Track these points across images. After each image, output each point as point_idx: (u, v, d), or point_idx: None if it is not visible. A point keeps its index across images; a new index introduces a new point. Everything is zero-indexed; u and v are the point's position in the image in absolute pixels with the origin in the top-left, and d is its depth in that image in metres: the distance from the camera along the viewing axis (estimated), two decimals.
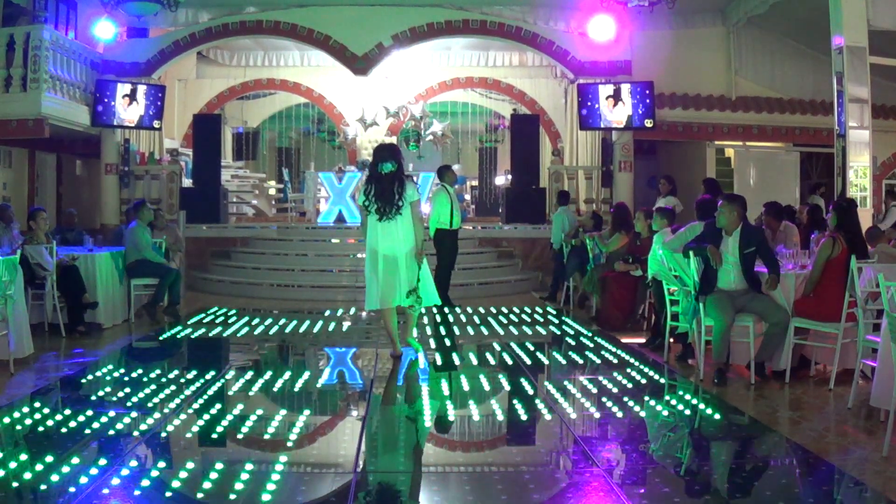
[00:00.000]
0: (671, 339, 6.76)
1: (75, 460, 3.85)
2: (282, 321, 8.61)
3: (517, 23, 13.28)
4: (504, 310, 9.51)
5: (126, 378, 5.84)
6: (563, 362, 6.78)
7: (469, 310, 9.48)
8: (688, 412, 5.13)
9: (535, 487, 3.55)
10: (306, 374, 6.09)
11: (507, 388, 5.77)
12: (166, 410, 5.02)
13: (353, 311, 9.49)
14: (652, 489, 3.55)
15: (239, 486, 3.60)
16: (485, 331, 8.20)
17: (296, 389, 5.66)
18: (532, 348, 7.15)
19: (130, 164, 13.19)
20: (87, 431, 4.45)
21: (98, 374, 6.07)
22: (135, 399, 5.16)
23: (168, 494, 3.47)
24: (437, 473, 3.82)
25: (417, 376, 6.36)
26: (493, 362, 6.75)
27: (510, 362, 6.60)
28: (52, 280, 7.55)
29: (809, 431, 4.57)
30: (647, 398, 5.35)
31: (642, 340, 7.38)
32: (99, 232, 11.41)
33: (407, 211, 6.32)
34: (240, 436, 4.43)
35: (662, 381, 5.92)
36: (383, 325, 6.73)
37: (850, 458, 4.08)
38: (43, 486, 3.51)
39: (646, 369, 6.20)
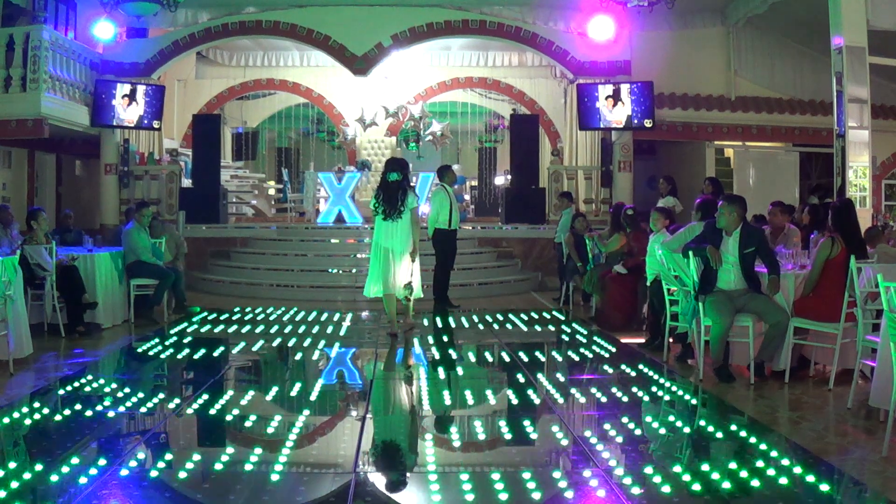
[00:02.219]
0: (670, 340, 6.77)
1: (75, 460, 3.85)
2: (281, 322, 8.61)
3: (516, 23, 13.29)
4: (503, 310, 9.51)
5: (125, 378, 5.84)
6: (563, 362, 6.79)
7: (468, 310, 9.49)
8: (687, 412, 5.13)
9: (535, 487, 3.55)
10: (306, 375, 6.09)
11: (507, 387, 5.77)
12: (166, 410, 5.02)
13: (352, 311, 9.49)
14: (652, 489, 3.55)
15: (239, 486, 3.60)
16: (484, 330, 8.20)
17: (295, 389, 5.66)
18: (531, 348, 7.15)
19: (130, 164, 13.19)
20: (87, 431, 4.45)
21: (98, 374, 6.07)
22: (134, 399, 5.16)
23: (168, 494, 3.46)
24: (436, 473, 3.82)
25: (417, 376, 6.36)
26: (492, 362, 6.74)
27: (509, 362, 6.60)
28: (52, 280, 7.55)
29: (809, 431, 4.57)
30: (646, 398, 5.36)
31: (642, 341, 7.38)
32: (98, 232, 11.41)
33: (407, 215, 7.52)
34: (239, 436, 4.43)
35: (662, 381, 5.92)
36: (385, 308, 7.74)
37: (849, 458, 4.09)
38: (42, 487, 3.51)
39: (645, 370, 6.21)
